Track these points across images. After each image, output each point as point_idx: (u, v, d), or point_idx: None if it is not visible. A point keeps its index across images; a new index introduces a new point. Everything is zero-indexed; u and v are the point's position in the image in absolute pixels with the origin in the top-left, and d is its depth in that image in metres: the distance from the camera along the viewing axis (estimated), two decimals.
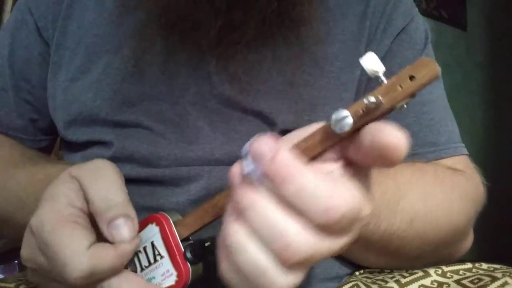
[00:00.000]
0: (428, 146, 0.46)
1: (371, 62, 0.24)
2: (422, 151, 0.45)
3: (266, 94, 0.43)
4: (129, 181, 0.42)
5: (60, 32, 0.48)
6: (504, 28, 2.19)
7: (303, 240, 0.22)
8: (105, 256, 0.28)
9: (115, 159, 0.43)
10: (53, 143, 0.57)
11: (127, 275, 0.30)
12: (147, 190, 0.42)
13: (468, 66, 2.09)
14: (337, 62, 0.45)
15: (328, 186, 0.22)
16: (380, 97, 0.23)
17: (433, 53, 0.51)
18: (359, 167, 0.25)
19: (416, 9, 0.51)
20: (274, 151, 0.22)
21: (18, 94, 0.52)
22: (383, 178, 0.39)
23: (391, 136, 0.22)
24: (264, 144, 0.23)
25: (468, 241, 0.46)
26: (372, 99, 0.23)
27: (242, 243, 0.23)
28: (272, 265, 0.22)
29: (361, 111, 0.23)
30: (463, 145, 0.48)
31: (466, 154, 0.48)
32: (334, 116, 0.23)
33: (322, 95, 0.43)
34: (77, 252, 0.27)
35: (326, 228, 0.22)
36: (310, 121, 0.43)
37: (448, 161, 0.46)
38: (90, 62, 0.46)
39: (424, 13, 1.85)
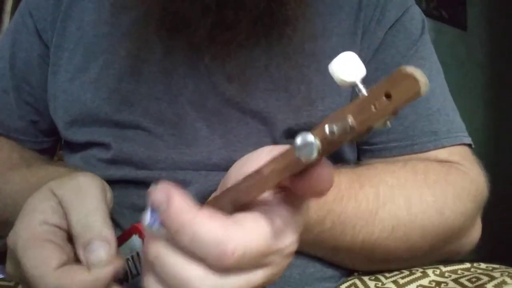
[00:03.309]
0: (428, 135, 0.45)
1: (342, 69, 0.20)
2: (421, 140, 0.45)
3: (265, 91, 0.43)
4: (128, 183, 0.42)
5: (59, 34, 0.49)
6: (504, 28, 2.19)
7: (208, 285, 0.23)
8: (74, 279, 0.27)
9: (113, 161, 0.43)
10: (55, 145, 0.57)
11: None
12: (145, 192, 0.42)
13: (468, 66, 2.09)
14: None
15: (223, 234, 0.22)
16: (351, 120, 0.19)
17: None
18: (290, 194, 0.25)
19: (412, 0, 0.50)
20: (168, 201, 0.23)
21: (19, 96, 0.52)
22: (359, 188, 0.39)
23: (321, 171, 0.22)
24: (159, 195, 0.23)
25: (474, 236, 0.45)
26: (334, 128, 0.19)
27: None
28: None
29: (329, 135, 0.19)
30: (466, 134, 0.47)
31: (469, 144, 0.47)
32: (299, 143, 0.20)
33: (320, 89, 0.43)
34: (43, 273, 0.27)
35: (228, 269, 0.23)
36: (309, 117, 0.43)
37: (444, 153, 0.45)
38: (88, 62, 0.46)
39: (424, 13, 1.84)
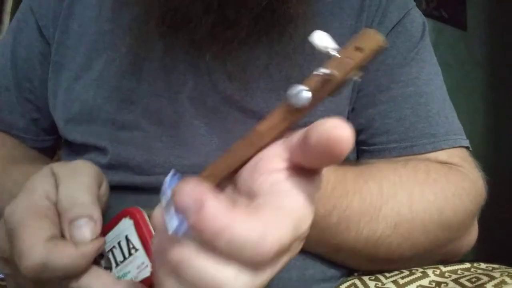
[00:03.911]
0: (427, 137, 0.45)
1: (321, 39, 0.25)
2: (420, 142, 0.45)
3: (265, 91, 0.43)
4: (125, 188, 0.42)
5: (61, 31, 0.49)
6: (504, 28, 2.19)
7: (241, 283, 0.21)
8: (62, 252, 0.27)
9: (111, 166, 0.43)
10: (56, 144, 0.57)
11: (97, 272, 0.29)
12: (143, 198, 0.42)
13: (468, 66, 2.09)
14: None
15: (260, 236, 0.20)
16: (332, 69, 0.24)
17: (433, 49, 0.51)
18: (306, 172, 0.24)
19: (413, 3, 0.51)
20: (201, 205, 0.20)
21: (20, 93, 0.52)
22: (363, 183, 0.38)
23: (336, 128, 0.21)
24: (188, 196, 0.21)
25: (471, 237, 0.46)
26: (326, 71, 0.24)
27: None
28: None
29: (316, 83, 0.24)
30: (464, 137, 0.48)
31: (467, 147, 0.48)
32: (292, 92, 0.24)
33: None
34: (34, 243, 0.27)
35: (262, 265, 0.22)
36: (309, 116, 0.43)
37: (444, 154, 0.45)
38: (91, 60, 0.46)
39: (424, 13, 1.84)
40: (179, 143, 0.43)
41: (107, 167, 0.44)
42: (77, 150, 0.47)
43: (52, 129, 0.53)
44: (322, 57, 0.48)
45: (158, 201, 0.41)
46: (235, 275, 0.21)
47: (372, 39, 0.23)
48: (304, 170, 0.24)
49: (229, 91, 0.43)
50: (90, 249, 0.28)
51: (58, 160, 0.57)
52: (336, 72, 0.24)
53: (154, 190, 0.41)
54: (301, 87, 0.24)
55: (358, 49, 0.24)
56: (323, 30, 0.45)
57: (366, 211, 0.38)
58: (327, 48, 0.24)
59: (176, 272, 0.22)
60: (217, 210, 0.20)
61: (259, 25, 0.41)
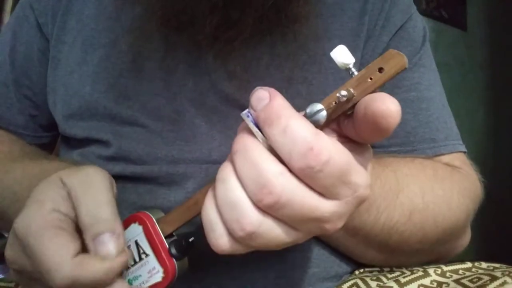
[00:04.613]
0: (427, 142, 0.46)
1: (341, 55, 0.25)
2: (421, 147, 0.46)
3: None
4: (126, 179, 0.42)
5: (59, 28, 0.49)
6: (504, 28, 2.19)
7: (280, 182, 0.23)
8: (90, 268, 0.27)
9: (112, 159, 0.43)
10: (54, 141, 0.57)
11: (123, 285, 0.29)
12: (144, 189, 0.42)
13: (468, 66, 2.08)
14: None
15: (314, 134, 0.23)
16: (352, 90, 0.24)
17: (432, 52, 0.51)
18: (356, 145, 0.26)
19: (415, 7, 0.51)
20: (271, 96, 0.24)
21: (19, 89, 0.52)
22: (382, 170, 0.39)
23: (383, 103, 0.23)
24: (262, 92, 0.25)
25: (466, 238, 0.47)
26: (344, 92, 0.24)
27: (225, 176, 0.25)
28: (247, 201, 0.24)
29: (334, 104, 0.25)
30: (461, 142, 0.49)
31: (464, 152, 0.49)
32: (309, 110, 0.25)
33: (320, 91, 0.44)
34: (61, 261, 0.27)
35: (306, 176, 0.23)
36: None
37: (446, 158, 0.47)
38: (86, 54, 0.46)
39: (424, 13, 1.85)
40: (179, 138, 0.43)
41: (108, 159, 0.44)
42: (77, 144, 0.47)
43: (50, 126, 0.53)
44: (323, 59, 0.48)
45: (161, 193, 0.41)
46: (280, 171, 0.23)
47: (396, 62, 0.23)
48: (354, 143, 0.26)
49: (228, 90, 0.43)
50: (117, 264, 0.28)
51: (56, 154, 0.57)
52: (355, 93, 0.24)
53: (156, 181, 0.41)
54: (319, 107, 0.25)
55: (380, 70, 0.24)
56: (324, 32, 0.46)
57: (386, 196, 0.38)
58: (348, 65, 0.25)
59: (234, 158, 0.25)
60: (283, 103, 0.24)
61: (263, 25, 0.41)
